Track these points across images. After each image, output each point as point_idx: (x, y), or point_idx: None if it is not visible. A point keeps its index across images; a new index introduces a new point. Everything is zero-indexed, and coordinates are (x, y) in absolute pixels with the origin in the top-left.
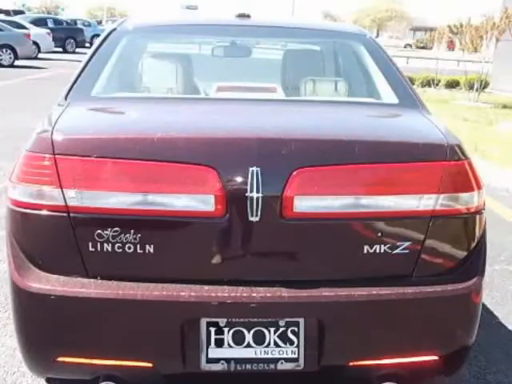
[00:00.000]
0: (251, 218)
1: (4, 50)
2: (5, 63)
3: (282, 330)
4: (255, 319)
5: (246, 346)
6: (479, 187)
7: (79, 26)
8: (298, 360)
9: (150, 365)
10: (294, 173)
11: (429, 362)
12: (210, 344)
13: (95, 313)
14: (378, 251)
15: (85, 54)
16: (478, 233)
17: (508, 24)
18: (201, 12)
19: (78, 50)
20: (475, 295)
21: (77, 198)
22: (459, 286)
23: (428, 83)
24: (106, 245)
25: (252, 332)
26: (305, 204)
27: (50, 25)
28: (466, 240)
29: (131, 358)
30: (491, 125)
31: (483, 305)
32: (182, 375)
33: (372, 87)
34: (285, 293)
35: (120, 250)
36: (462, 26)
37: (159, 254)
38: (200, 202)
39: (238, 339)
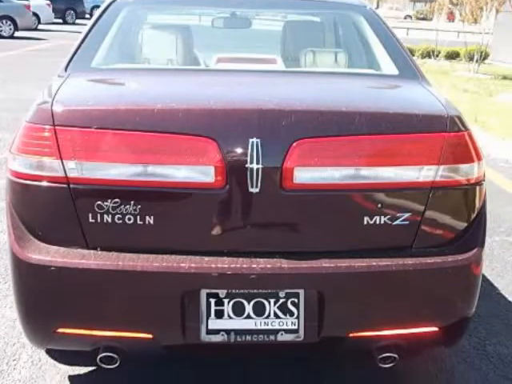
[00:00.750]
0: (251, 190)
1: (4, 22)
2: (5, 34)
3: (281, 301)
4: (255, 290)
5: (245, 318)
6: (479, 158)
7: None
8: (298, 331)
9: (150, 336)
10: (294, 144)
11: (429, 333)
12: (209, 315)
13: (95, 284)
14: (378, 222)
15: (85, 25)
16: (477, 204)
17: None
18: None
19: (77, 21)
20: (475, 266)
21: (77, 169)
22: (459, 258)
23: (428, 54)
24: (106, 216)
25: (252, 303)
26: (305, 175)
27: None
28: (465, 211)
29: (131, 329)
30: (491, 96)
31: (483, 276)
32: (182, 346)
33: (372, 58)
34: (285, 264)
35: (120, 222)
36: None
37: (159, 226)
38: (200, 173)
39: (238, 310)
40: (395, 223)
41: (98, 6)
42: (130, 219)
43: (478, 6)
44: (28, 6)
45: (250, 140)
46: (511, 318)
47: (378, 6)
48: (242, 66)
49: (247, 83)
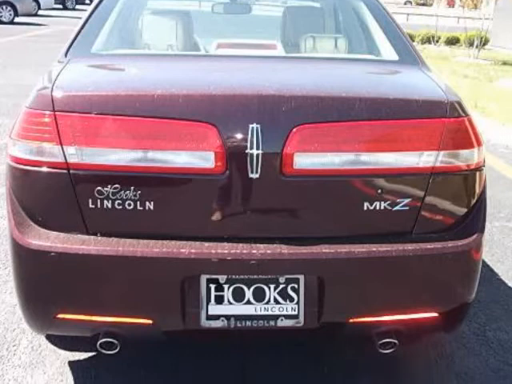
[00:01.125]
0: (251, 175)
1: (4, 7)
2: (5, 20)
3: (281, 286)
4: (255, 276)
5: (245, 303)
6: (479, 144)
7: None
8: (298, 317)
9: (150, 321)
10: (294, 130)
11: (429, 319)
12: (209, 301)
13: (95, 269)
14: (378, 208)
15: (85, 10)
16: (477, 190)
17: None
18: None
19: (77, 6)
20: (475, 252)
21: (77, 154)
22: (459, 243)
23: (428, 40)
24: (106, 202)
25: (252, 289)
26: (305, 161)
27: None
28: (466, 197)
29: (131, 314)
30: (491, 81)
31: (483, 262)
32: (182, 332)
33: (372, 44)
34: (285, 250)
35: (120, 207)
36: None
37: (159, 211)
38: (200, 158)
39: (238, 296)
40: (395, 209)
41: None
42: (130, 205)
43: None
44: None
45: (250, 126)
46: (511, 304)
47: None
48: (242, 52)
49: (247, 69)
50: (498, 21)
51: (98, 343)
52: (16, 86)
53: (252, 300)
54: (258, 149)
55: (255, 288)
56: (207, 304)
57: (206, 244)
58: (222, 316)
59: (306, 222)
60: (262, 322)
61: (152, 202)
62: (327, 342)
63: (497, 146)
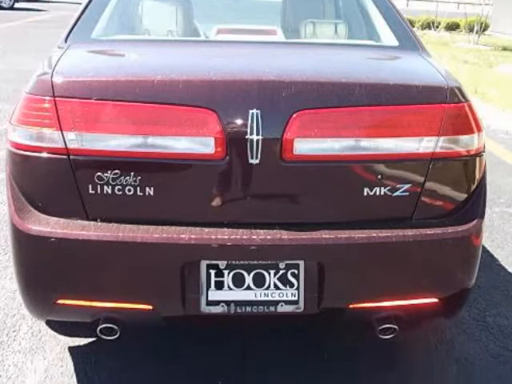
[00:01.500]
0: (251, 161)
1: None
2: (5, 6)
3: (281, 272)
4: (255, 261)
5: (245, 289)
6: (479, 129)
7: None
8: (298, 302)
9: (150, 307)
10: (294, 115)
11: (429, 305)
12: (209, 286)
13: (95, 255)
14: (378, 194)
15: None
16: (477, 175)
17: None
18: None
19: None
20: (475, 238)
21: (77, 140)
22: (459, 229)
23: (428, 26)
24: (106, 187)
25: (252, 274)
26: (305, 146)
27: None
28: (466, 182)
29: (131, 300)
30: (491, 67)
31: (483, 247)
32: (182, 318)
33: (372, 29)
34: (285, 235)
35: (120, 193)
36: None
37: (159, 197)
38: (200, 144)
39: (238, 282)
40: (395, 194)
41: None
42: (130, 190)
43: None
44: None
45: (250, 111)
46: (511, 289)
47: None
48: (242, 37)
49: (247, 54)
50: (498, 6)
51: (98, 329)
52: (16, 71)
53: (252, 286)
54: (257, 134)
55: (255, 274)
56: (207, 290)
57: (206, 230)
58: (222, 302)
59: (306, 208)
60: (261, 307)
61: (152, 188)
62: (327, 327)
63: (497, 131)
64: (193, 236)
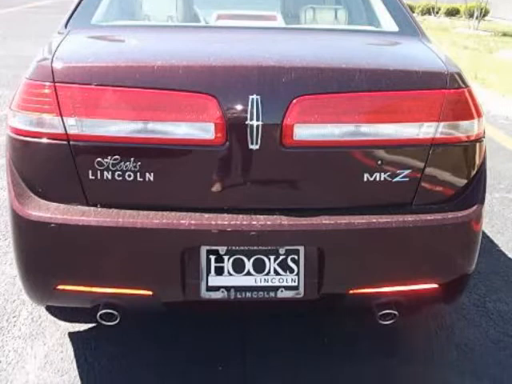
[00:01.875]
0: (251, 146)
1: None
2: None
3: (281, 257)
4: (255, 247)
5: (245, 274)
6: (479, 115)
7: None
8: (298, 288)
9: (150, 293)
10: (294, 101)
11: (429, 290)
12: (209, 272)
13: (95, 241)
14: (378, 179)
15: None
16: (477, 161)
17: None
18: None
19: None
20: (475, 223)
21: (77, 125)
22: (459, 214)
23: (428, 11)
24: (106, 173)
25: (252, 260)
26: (305, 132)
27: None
28: (465, 168)
29: (131, 286)
30: (491, 53)
31: (483, 233)
32: (182, 303)
33: (372, 15)
34: (285, 221)
35: (120, 178)
36: None
37: (159, 182)
38: (200, 130)
39: (238, 267)
40: (395, 180)
41: None
42: (130, 176)
43: None
44: None
45: (250, 97)
46: (511, 275)
47: None
48: (241, 23)
49: (247, 40)
50: None
51: (98, 314)
52: (16, 57)
53: (252, 271)
54: (257, 120)
55: (255, 259)
56: (207, 275)
57: (206, 215)
58: (222, 287)
59: (306, 194)
60: (261, 293)
61: (152, 174)
62: (327, 313)
63: (497, 117)
64: (193, 221)
